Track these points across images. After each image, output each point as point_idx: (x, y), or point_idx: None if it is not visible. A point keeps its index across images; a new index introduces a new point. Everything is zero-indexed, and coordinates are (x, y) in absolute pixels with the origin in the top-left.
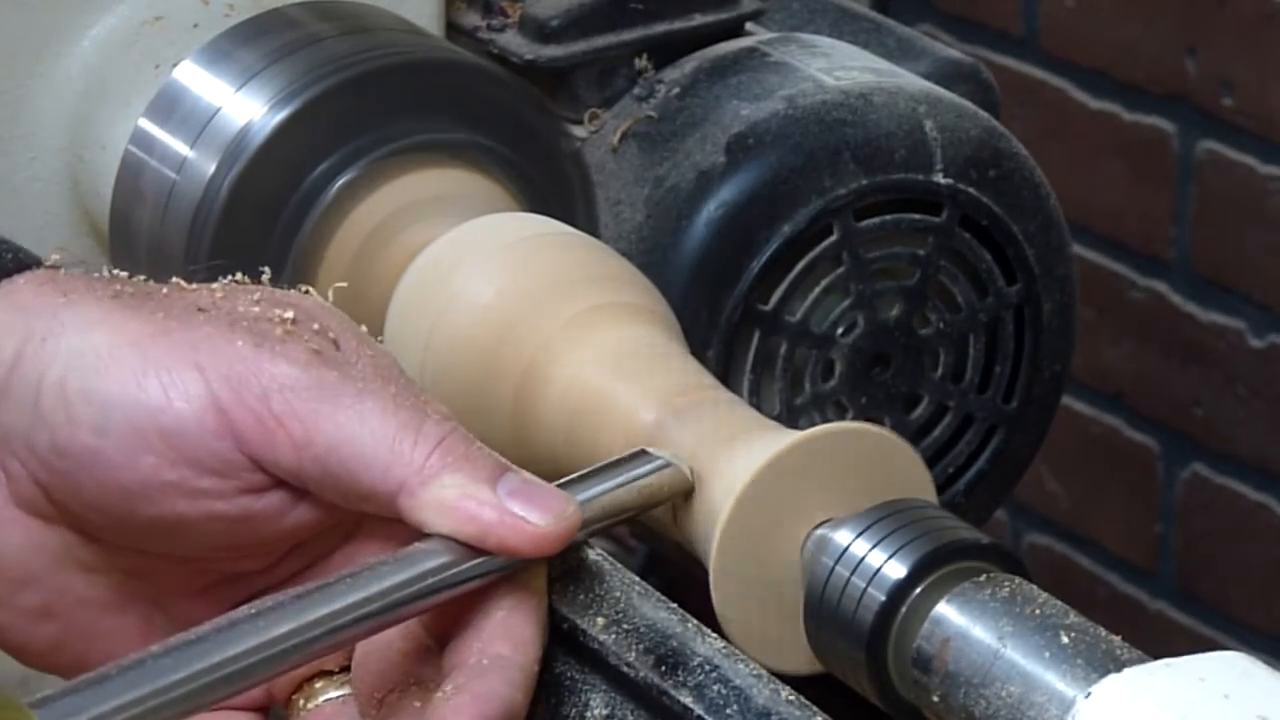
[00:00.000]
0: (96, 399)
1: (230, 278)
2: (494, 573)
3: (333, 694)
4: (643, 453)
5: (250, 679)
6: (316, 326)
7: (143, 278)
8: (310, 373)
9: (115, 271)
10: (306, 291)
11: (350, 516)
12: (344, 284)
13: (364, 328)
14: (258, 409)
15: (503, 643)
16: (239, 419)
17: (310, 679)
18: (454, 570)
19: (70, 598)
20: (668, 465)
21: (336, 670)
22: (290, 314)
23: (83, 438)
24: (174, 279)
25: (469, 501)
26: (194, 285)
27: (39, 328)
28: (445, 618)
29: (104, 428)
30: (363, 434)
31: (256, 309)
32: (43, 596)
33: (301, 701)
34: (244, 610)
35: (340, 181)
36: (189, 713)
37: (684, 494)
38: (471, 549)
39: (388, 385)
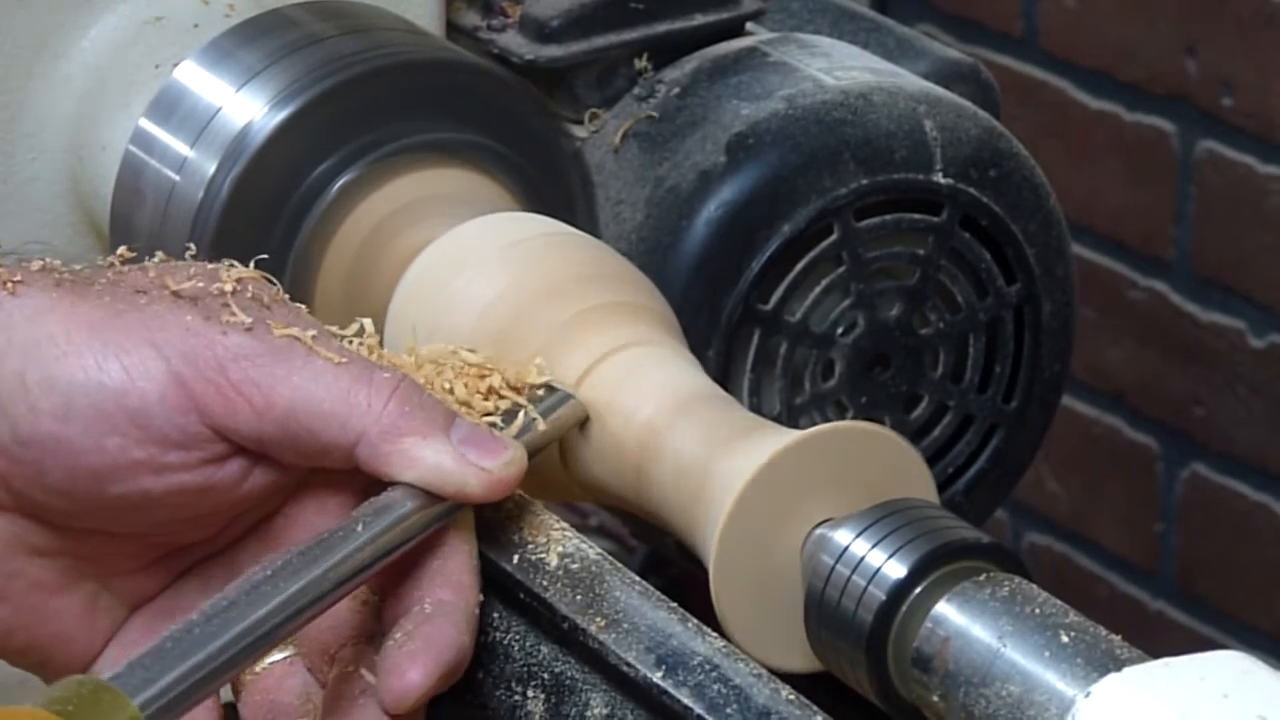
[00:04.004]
0: (59, 386)
1: (155, 258)
2: (447, 518)
3: (277, 656)
4: (548, 387)
5: (278, 636)
6: (251, 295)
7: (79, 266)
8: (260, 340)
9: (48, 259)
10: (231, 265)
11: (295, 479)
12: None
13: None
14: (217, 380)
15: (443, 589)
16: (200, 392)
17: None
18: (420, 516)
19: (22, 581)
20: (570, 397)
21: None
22: (229, 286)
23: (46, 425)
24: (108, 258)
25: (428, 450)
26: (127, 267)
27: None
28: (382, 571)
29: (68, 414)
30: (318, 391)
31: (198, 284)
32: None
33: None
34: (259, 572)
35: (340, 181)
36: (235, 674)
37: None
38: (430, 496)
39: (330, 343)
